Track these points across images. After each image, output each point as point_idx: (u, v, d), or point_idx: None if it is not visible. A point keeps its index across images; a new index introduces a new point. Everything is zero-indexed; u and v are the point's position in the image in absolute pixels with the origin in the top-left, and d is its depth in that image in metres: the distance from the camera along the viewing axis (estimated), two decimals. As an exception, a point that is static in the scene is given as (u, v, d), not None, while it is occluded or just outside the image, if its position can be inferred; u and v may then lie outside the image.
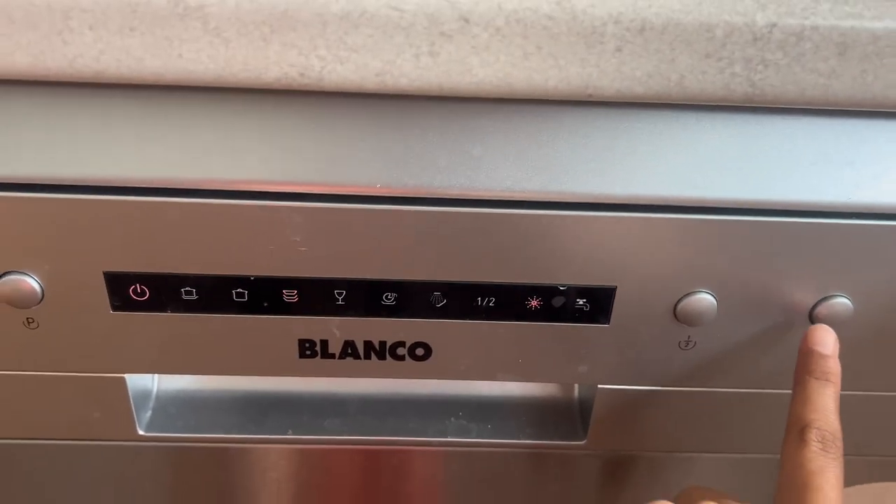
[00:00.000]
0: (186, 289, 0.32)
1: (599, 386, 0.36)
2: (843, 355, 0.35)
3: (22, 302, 0.32)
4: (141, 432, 0.37)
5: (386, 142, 0.29)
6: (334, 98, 0.29)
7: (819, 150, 0.30)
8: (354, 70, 0.25)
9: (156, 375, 0.38)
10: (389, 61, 0.25)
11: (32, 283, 0.31)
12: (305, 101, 0.29)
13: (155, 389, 0.38)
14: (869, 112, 0.29)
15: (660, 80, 0.26)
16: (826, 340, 0.33)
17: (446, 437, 0.38)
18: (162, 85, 0.26)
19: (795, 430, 0.31)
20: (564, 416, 0.39)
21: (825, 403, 0.32)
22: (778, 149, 0.30)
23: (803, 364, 0.32)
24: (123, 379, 0.35)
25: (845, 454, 0.39)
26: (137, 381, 0.36)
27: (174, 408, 0.38)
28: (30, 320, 0.33)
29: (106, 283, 0.32)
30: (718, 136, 0.30)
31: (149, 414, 0.37)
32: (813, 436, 0.31)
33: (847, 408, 0.36)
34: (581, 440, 0.38)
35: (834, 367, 0.32)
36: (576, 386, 0.39)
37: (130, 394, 0.35)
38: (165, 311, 0.33)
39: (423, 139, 0.30)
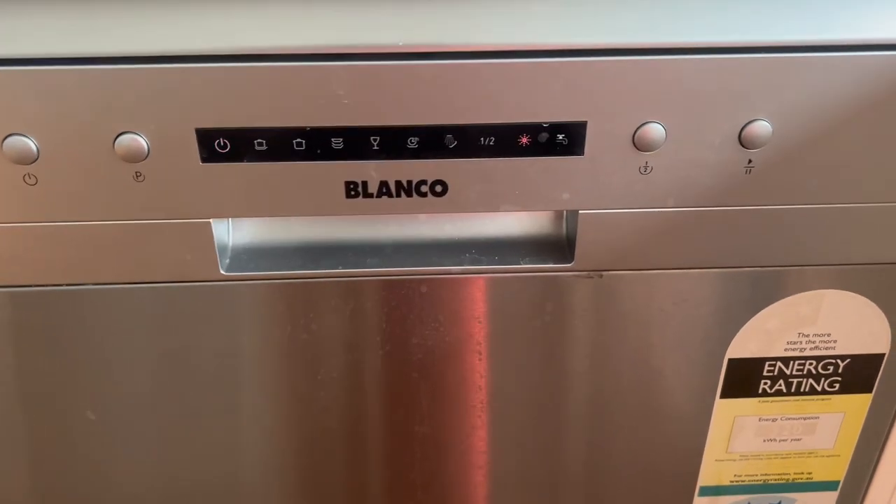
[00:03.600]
0: (258, 140, 0.42)
1: (581, 211, 0.46)
2: (770, 171, 0.44)
3: (133, 157, 0.41)
4: (223, 272, 0.46)
5: (402, 7, 0.39)
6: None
7: (729, -4, 0.40)
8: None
9: (231, 229, 0.47)
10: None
11: (141, 141, 0.41)
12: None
13: (230, 242, 0.48)
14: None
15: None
16: None
17: (463, 266, 0.48)
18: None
19: None
20: (555, 246, 0.48)
21: None
22: (698, -3, 0.40)
23: None
24: (209, 224, 0.44)
25: (776, 266, 0.48)
26: (218, 232, 0.46)
27: (246, 256, 0.47)
28: (138, 174, 0.42)
29: (197, 138, 0.41)
30: (654, -9, 0.40)
31: (227, 261, 0.47)
32: None
33: (777, 222, 0.46)
34: (569, 262, 0.47)
35: None
36: (563, 222, 0.49)
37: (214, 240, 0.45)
38: (242, 161, 0.42)
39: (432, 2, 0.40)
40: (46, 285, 0.46)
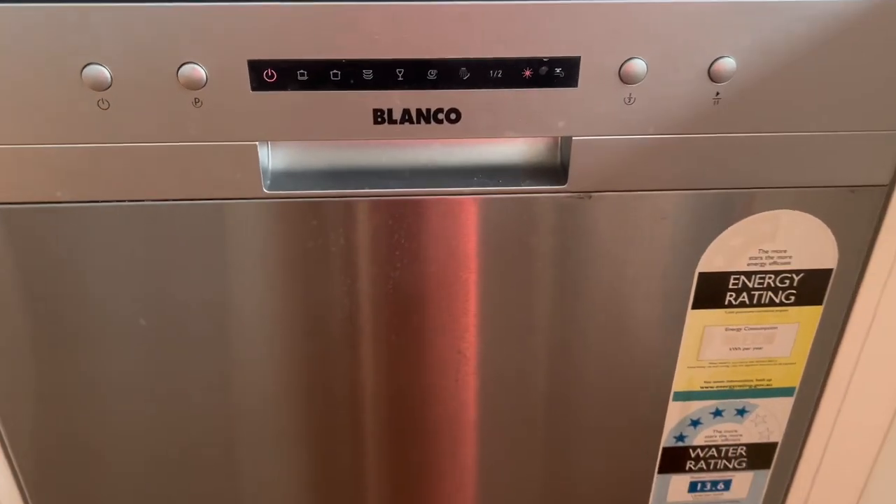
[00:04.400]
0: (300, 71, 0.49)
1: (574, 138, 0.53)
2: (735, 103, 0.52)
3: (193, 85, 0.48)
4: (265, 190, 0.53)
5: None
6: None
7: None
8: None
9: (270, 154, 0.54)
10: None
11: (201, 70, 0.48)
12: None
13: (270, 166, 0.54)
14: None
15: None
16: None
17: (471, 188, 0.55)
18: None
19: None
20: (551, 170, 0.56)
21: None
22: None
23: None
24: (255, 146, 0.51)
25: (741, 188, 0.56)
26: (261, 155, 0.53)
27: (284, 177, 0.54)
28: (197, 100, 0.49)
29: (248, 68, 0.48)
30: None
31: (269, 181, 0.54)
32: None
33: (741, 147, 0.54)
34: (563, 184, 0.55)
35: None
36: (558, 149, 0.56)
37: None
38: (286, 90, 0.49)
39: (452, -45, 0.47)
40: (113, 201, 0.52)
